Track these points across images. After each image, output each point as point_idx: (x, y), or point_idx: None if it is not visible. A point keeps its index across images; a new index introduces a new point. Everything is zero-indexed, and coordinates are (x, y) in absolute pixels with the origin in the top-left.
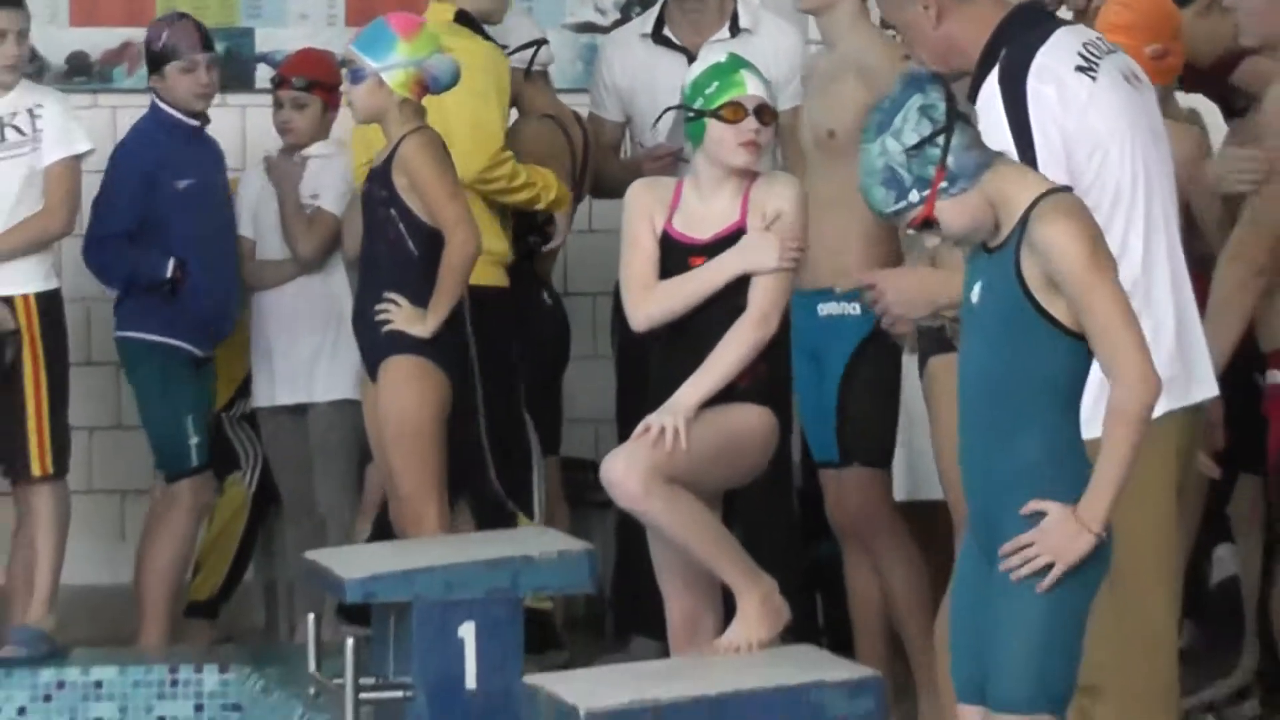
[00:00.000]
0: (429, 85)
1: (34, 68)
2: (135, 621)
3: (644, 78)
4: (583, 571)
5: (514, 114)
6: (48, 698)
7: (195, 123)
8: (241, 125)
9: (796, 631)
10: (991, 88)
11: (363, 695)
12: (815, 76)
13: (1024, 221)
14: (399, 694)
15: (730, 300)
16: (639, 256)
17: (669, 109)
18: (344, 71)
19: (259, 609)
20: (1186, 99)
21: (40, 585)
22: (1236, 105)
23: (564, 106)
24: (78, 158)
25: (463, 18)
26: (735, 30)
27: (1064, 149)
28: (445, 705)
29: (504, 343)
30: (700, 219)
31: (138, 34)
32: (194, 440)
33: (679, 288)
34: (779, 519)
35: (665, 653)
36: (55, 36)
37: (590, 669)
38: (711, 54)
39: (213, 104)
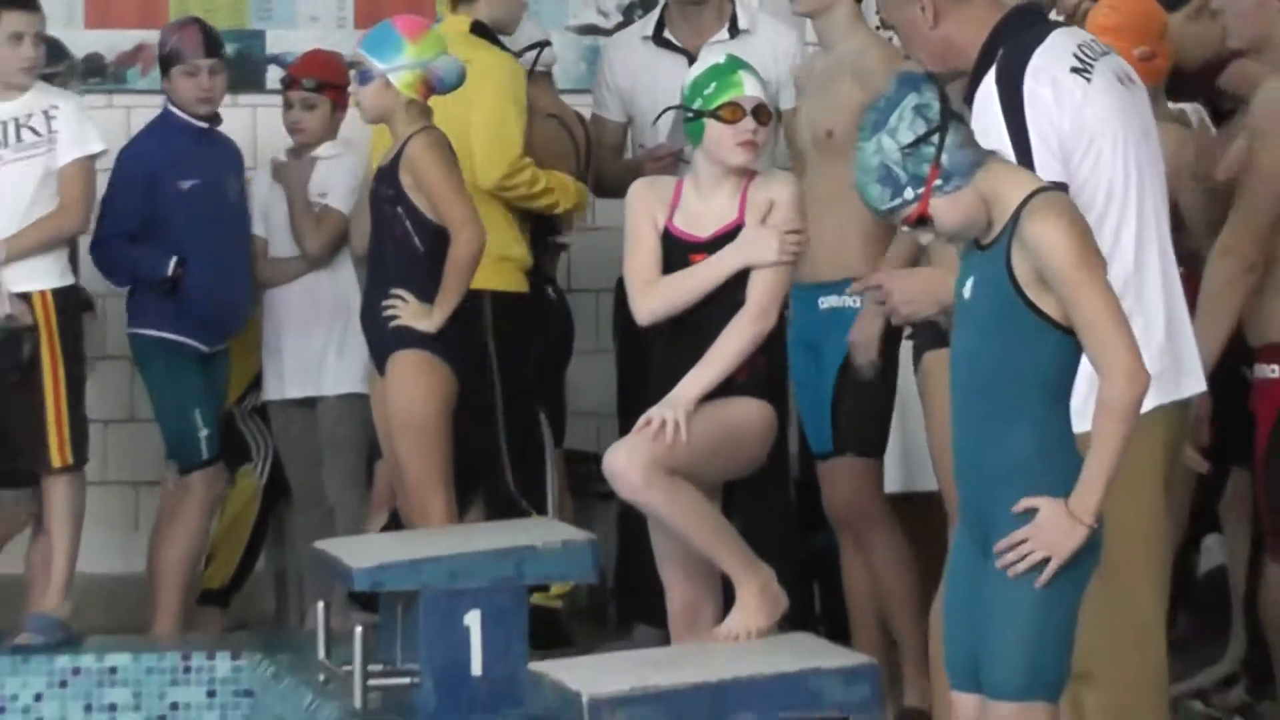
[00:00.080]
0: (435, 86)
1: (66, 66)
2: (149, 609)
3: (645, 79)
4: (586, 561)
5: None
6: (63, 684)
7: (203, 124)
8: (252, 125)
9: (794, 620)
10: (988, 88)
11: (371, 681)
12: (812, 78)
13: (1015, 218)
14: (406, 680)
15: (729, 295)
16: (641, 253)
17: (668, 109)
18: (352, 72)
19: (270, 597)
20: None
21: (56, 574)
22: (1224, 108)
23: (567, 107)
24: (92, 158)
25: (478, 28)
26: (734, 32)
27: (1060, 148)
28: (451, 691)
29: (524, 346)
30: (700, 217)
31: (151, 36)
32: (203, 433)
33: (681, 283)
34: (777, 510)
35: (666, 640)
36: (71, 38)
37: (593, 656)
38: (711, 55)
39: (224, 104)
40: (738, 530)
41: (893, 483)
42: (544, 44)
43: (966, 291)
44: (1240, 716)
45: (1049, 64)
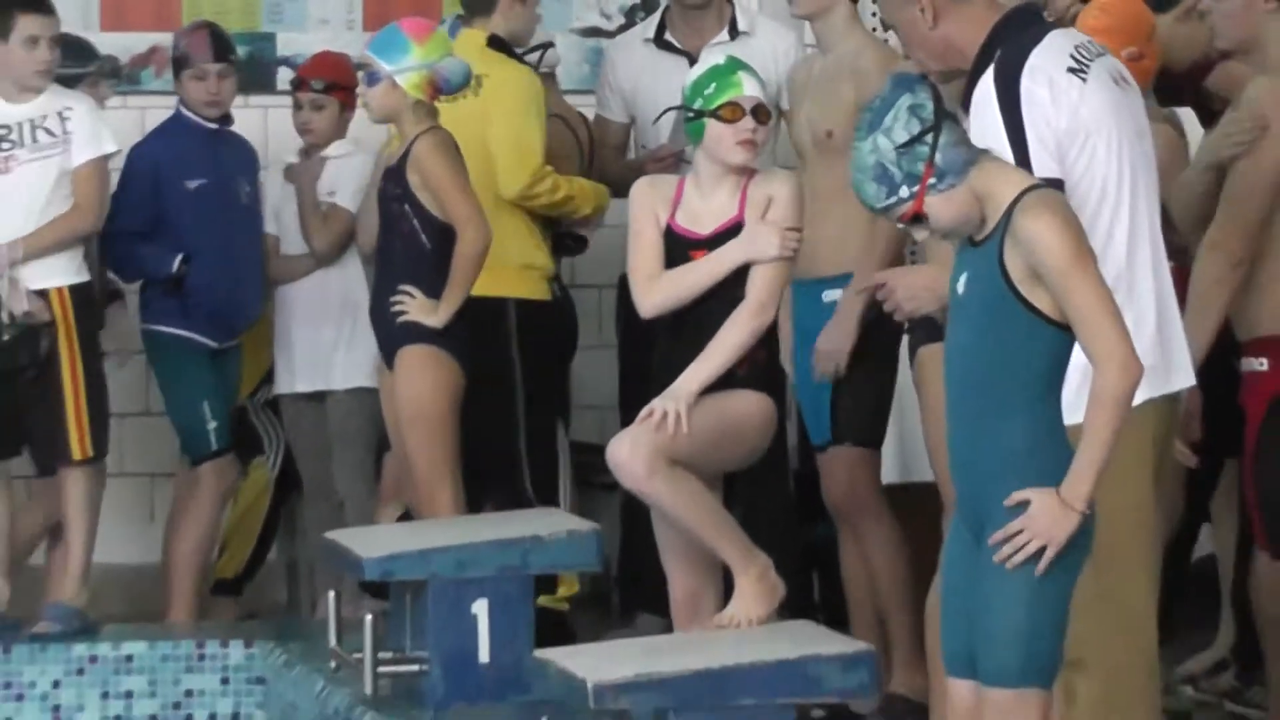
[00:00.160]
0: (441, 87)
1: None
2: (164, 598)
3: (647, 80)
4: (590, 551)
5: None
6: (80, 671)
7: (213, 125)
8: (263, 126)
9: (793, 608)
10: (987, 87)
11: (381, 668)
12: (811, 79)
13: (1008, 215)
14: (415, 667)
15: (730, 290)
16: (644, 249)
17: (669, 109)
18: (360, 74)
19: (282, 587)
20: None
21: (73, 564)
22: (1212, 110)
23: (570, 107)
24: (105, 158)
25: (494, 42)
26: (734, 34)
27: (1056, 147)
28: (459, 678)
29: (547, 353)
30: (701, 214)
31: (165, 39)
32: (211, 425)
33: (683, 278)
34: (776, 501)
35: (669, 628)
36: None
37: (597, 644)
38: (711, 57)
39: (235, 105)
40: (738, 521)
41: (890, 473)
42: (548, 45)
43: (960, 287)
44: (1229, 701)
45: (1046, 64)
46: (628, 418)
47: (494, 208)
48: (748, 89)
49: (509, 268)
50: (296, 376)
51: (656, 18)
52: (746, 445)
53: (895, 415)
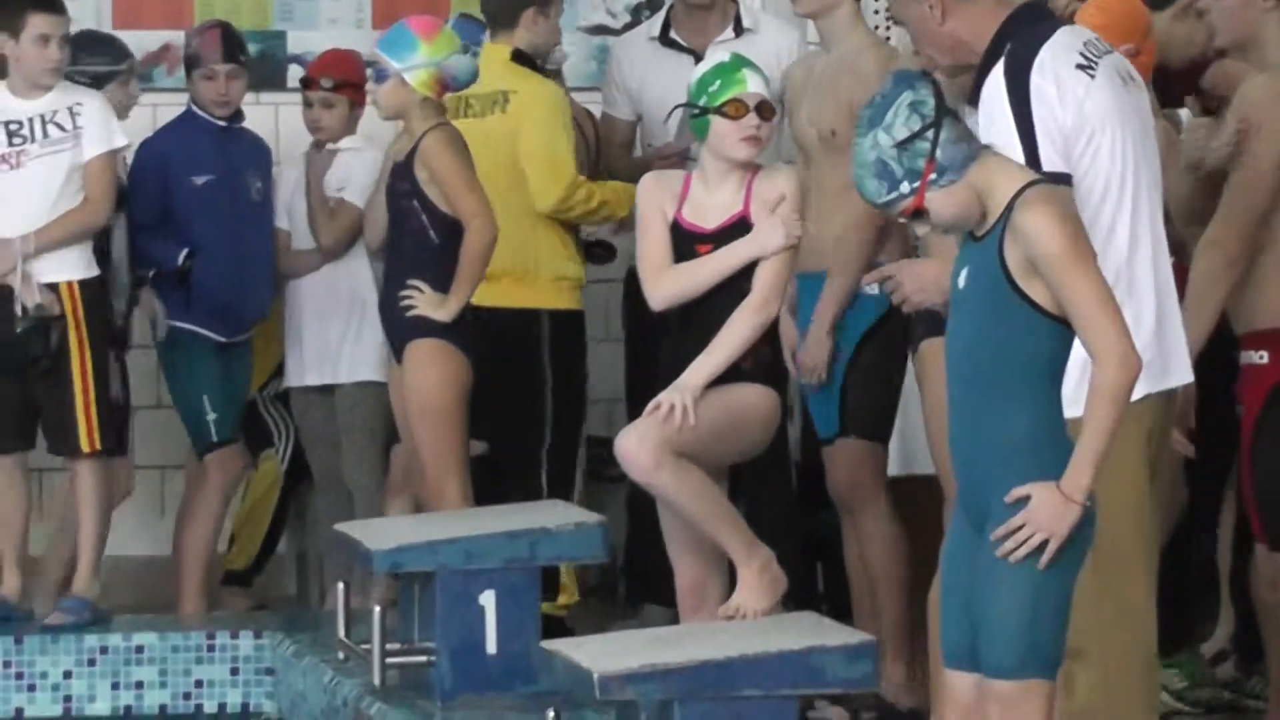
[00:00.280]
0: (448, 84)
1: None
2: (174, 590)
3: (652, 78)
4: (596, 542)
5: None
6: (92, 662)
7: (222, 123)
8: (274, 123)
9: (798, 599)
10: (996, 82)
11: (389, 659)
12: (811, 77)
13: (1009, 210)
14: (423, 658)
15: (736, 285)
16: (652, 243)
17: (677, 107)
18: (369, 71)
19: (291, 578)
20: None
21: (84, 556)
22: (1208, 109)
23: (577, 104)
24: (115, 153)
25: (518, 56)
26: (739, 31)
27: (1063, 142)
28: (467, 668)
29: (578, 362)
30: (706, 209)
31: (177, 36)
32: (211, 416)
33: (694, 271)
34: (779, 495)
35: (675, 619)
36: None
37: (603, 635)
38: (716, 54)
39: (246, 103)
40: (743, 514)
41: (892, 465)
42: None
43: (961, 281)
44: (1229, 691)
45: (1055, 60)
46: (635, 411)
47: (529, 221)
48: (752, 86)
49: (541, 279)
50: (305, 370)
51: (662, 16)
52: (750, 438)
53: (899, 408)
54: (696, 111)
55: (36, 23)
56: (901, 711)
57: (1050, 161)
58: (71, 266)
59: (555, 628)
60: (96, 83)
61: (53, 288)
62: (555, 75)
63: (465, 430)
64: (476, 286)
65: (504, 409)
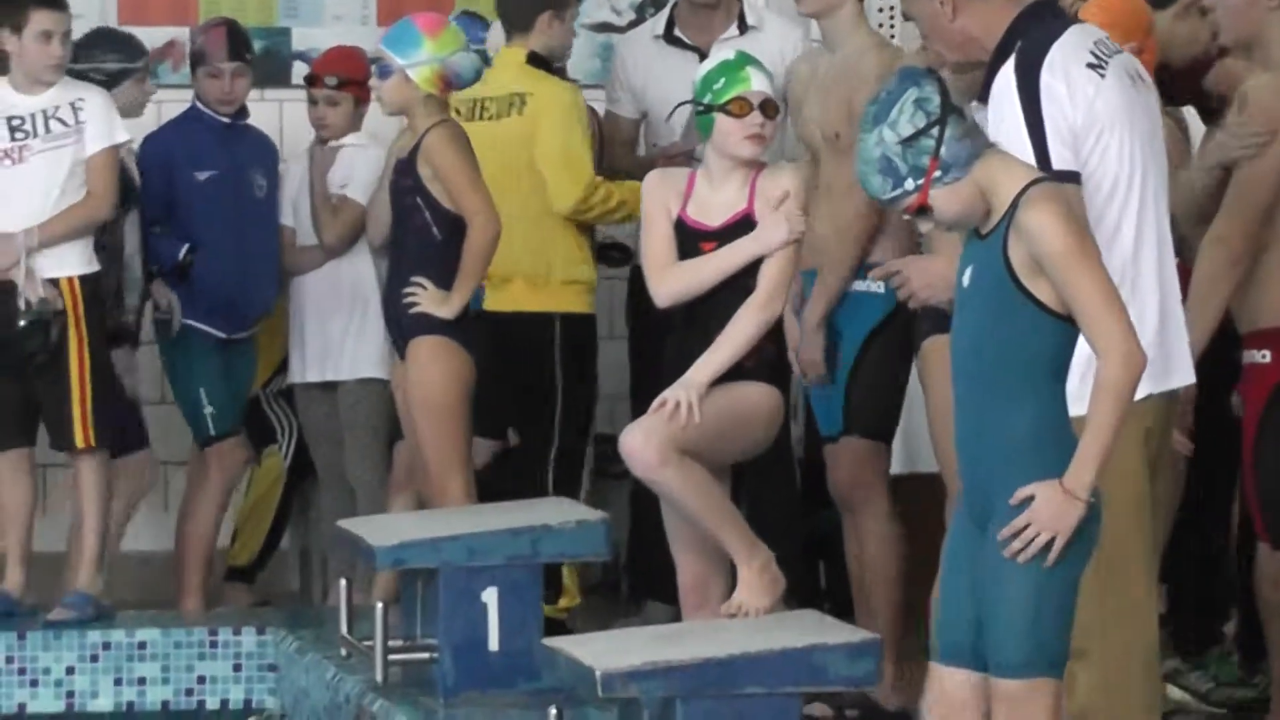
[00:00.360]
0: (452, 81)
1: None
2: (175, 584)
3: (657, 76)
4: (599, 539)
5: None
6: (94, 658)
7: (226, 120)
8: (279, 120)
9: (800, 597)
10: (1006, 79)
11: (392, 656)
12: (815, 77)
13: (1013, 208)
14: (426, 655)
15: (741, 282)
16: (657, 241)
17: (682, 104)
18: (373, 67)
19: (294, 574)
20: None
21: (87, 551)
22: (1211, 108)
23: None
24: (117, 147)
25: (534, 59)
26: (743, 28)
27: (1073, 140)
28: (469, 665)
29: (589, 366)
30: (711, 207)
31: (182, 33)
32: (209, 410)
33: (699, 269)
34: (782, 493)
35: (677, 617)
36: None
37: (606, 632)
38: (721, 52)
39: (251, 99)
40: (745, 513)
41: (895, 463)
42: None
43: (965, 280)
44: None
45: (1065, 59)
46: (640, 408)
47: (544, 224)
48: (755, 84)
49: (553, 283)
50: (307, 366)
51: (666, 13)
52: (753, 436)
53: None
54: (701, 109)
55: (39, 19)
56: (888, 711)
57: (1060, 159)
58: (72, 262)
59: (556, 631)
60: (112, 80)
61: (54, 283)
62: (559, 73)
63: (468, 427)
64: (479, 283)
65: (514, 411)
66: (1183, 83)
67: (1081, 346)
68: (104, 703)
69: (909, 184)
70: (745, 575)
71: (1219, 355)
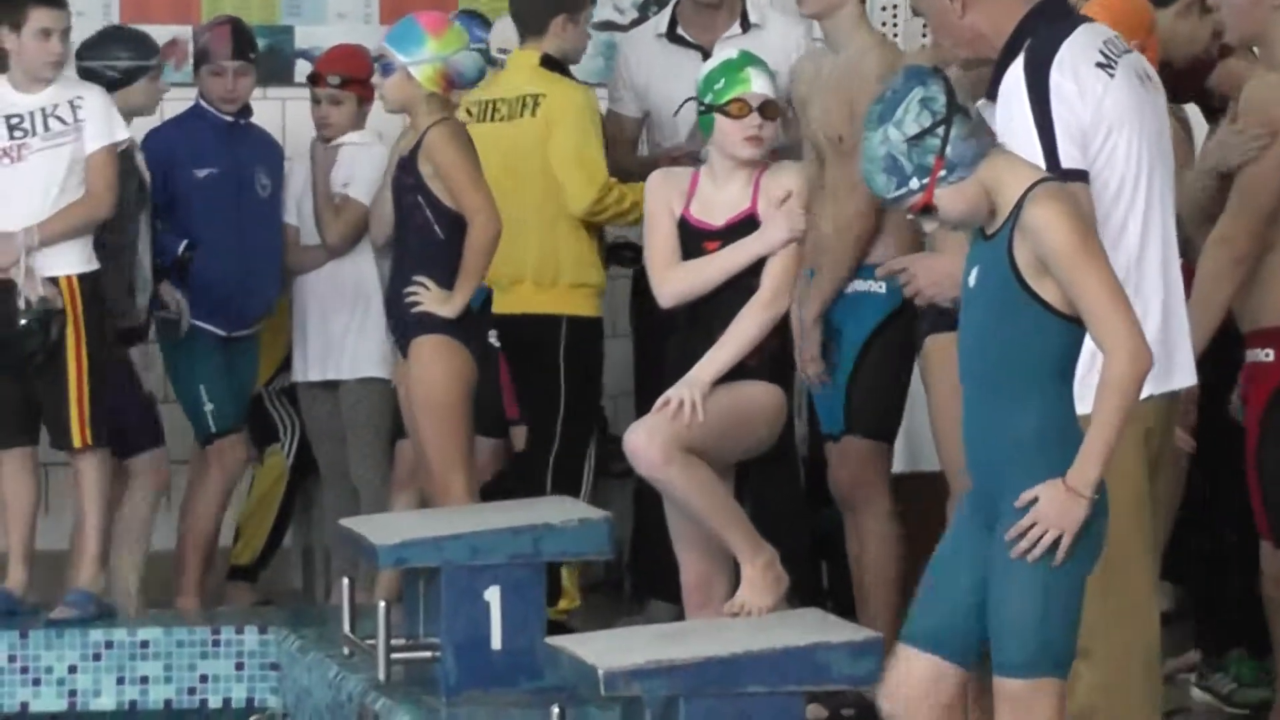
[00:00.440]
0: (454, 80)
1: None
2: (175, 580)
3: (660, 75)
4: (602, 538)
5: None
6: (97, 657)
7: (229, 118)
8: (281, 118)
9: (803, 596)
10: (1016, 76)
11: (394, 655)
12: (820, 78)
13: (1018, 208)
14: (428, 654)
15: (745, 281)
16: (660, 240)
17: (689, 100)
18: (376, 64)
19: (297, 573)
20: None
21: (87, 549)
22: (1212, 107)
23: None
24: (117, 145)
25: (547, 61)
26: (746, 27)
27: (1081, 139)
28: (472, 664)
29: (594, 369)
30: (714, 206)
31: (185, 31)
32: (209, 407)
33: (702, 268)
34: (786, 491)
35: (680, 615)
36: None
37: (608, 630)
38: (725, 50)
39: (254, 97)
40: (749, 512)
41: (898, 462)
42: None
43: (971, 280)
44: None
45: (1075, 58)
46: (644, 406)
47: (555, 226)
48: (755, 85)
49: (561, 285)
50: (310, 365)
51: (668, 12)
52: (756, 434)
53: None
54: (702, 109)
55: (38, 17)
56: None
57: (1070, 158)
58: (72, 261)
59: (557, 632)
60: (126, 77)
61: (53, 282)
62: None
63: (470, 426)
64: (480, 282)
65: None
66: (1184, 81)
67: (1085, 344)
68: (106, 701)
69: (914, 183)
70: (749, 574)
71: (1221, 354)
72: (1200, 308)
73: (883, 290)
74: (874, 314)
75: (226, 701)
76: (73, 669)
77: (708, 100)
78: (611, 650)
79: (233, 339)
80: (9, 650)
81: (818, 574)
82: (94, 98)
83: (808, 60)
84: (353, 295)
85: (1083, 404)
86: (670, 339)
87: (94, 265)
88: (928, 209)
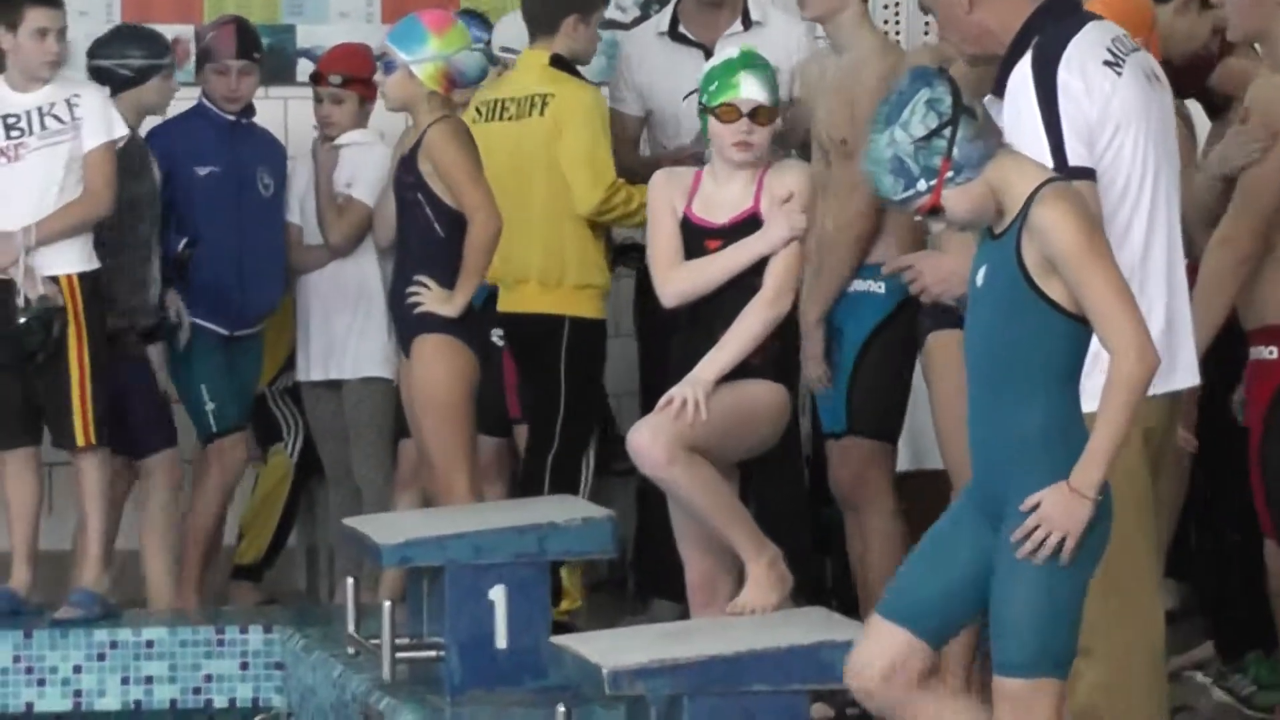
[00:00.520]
0: (456, 79)
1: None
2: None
3: (661, 73)
4: (605, 537)
5: None
6: (101, 656)
7: (231, 117)
8: (284, 117)
9: (806, 594)
10: (1023, 73)
11: (399, 654)
12: (823, 80)
13: (1026, 207)
14: (433, 653)
15: (748, 280)
16: (663, 240)
17: (692, 93)
18: (378, 62)
19: (301, 572)
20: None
21: (91, 549)
22: (1214, 105)
23: None
24: (114, 143)
25: (557, 61)
26: (747, 25)
27: (1089, 137)
28: (476, 663)
29: (596, 370)
30: (716, 205)
31: (187, 31)
32: (209, 406)
33: (705, 267)
34: (789, 489)
35: (684, 614)
36: None
37: (613, 630)
38: (728, 49)
39: (256, 97)
40: (753, 510)
41: (901, 461)
42: None
43: (979, 280)
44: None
45: (1082, 56)
46: (647, 405)
47: (561, 226)
48: (745, 91)
49: (566, 286)
50: (312, 365)
51: (670, 10)
52: (759, 433)
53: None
54: (700, 108)
55: (35, 16)
56: None
57: (1077, 156)
58: (72, 259)
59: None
60: (139, 76)
61: (53, 280)
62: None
63: (473, 425)
64: (481, 280)
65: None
66: (1184, 78)
67: (1092, 342)
68: (111, 701)
69: (921, 185)
70: (753, 572)
71: (1223, 352)
72: (1203, 308)
73: (882, 290)
74: (874, 314)
75: (231, 701)
76: (77, 669)
77: (704, 100)
78: (616, 649)
79: (235, 338)
80: (14, 650)
81: (821, 573)
82: (91, 96)
83: (812, 62)
84: (355, 295)
85: (1086, 403)
86: (673, 338)
87: (94, 264)
88: (935, 210)
